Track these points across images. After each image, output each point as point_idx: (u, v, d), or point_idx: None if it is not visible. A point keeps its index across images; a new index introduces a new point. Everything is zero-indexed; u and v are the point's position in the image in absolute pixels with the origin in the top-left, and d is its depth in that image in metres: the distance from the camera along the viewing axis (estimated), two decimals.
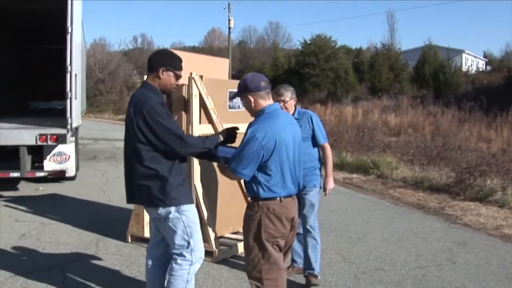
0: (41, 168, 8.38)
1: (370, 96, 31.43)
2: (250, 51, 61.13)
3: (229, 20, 37.72)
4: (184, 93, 5.19)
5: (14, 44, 13.72)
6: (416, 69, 32.48)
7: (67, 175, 8.69)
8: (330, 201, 7.13)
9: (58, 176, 8.69)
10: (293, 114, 4.46)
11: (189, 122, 5.02)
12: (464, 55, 41.47)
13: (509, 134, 16.75)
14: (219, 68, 5.94)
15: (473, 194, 8.79)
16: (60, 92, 14.53)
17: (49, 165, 8.44)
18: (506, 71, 31.13)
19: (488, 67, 41.22)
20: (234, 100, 5.47)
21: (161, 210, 3.34)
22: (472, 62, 40.58)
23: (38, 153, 8.29)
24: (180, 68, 3.50)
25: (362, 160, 12.08)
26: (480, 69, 38.96)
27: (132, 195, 3.44)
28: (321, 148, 4.65)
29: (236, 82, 6.07)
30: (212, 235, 4.98)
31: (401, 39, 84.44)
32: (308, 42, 38.56)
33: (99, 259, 5.08)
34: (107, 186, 9.41)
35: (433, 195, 9.19)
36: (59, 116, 10.31)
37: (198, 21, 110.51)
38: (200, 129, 5.06)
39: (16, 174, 7.87)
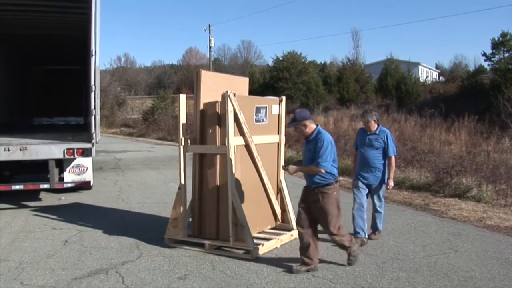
0: (61, 179, 8.30)
1: (339, 106, 31.99)
2: (225, 67, 61.09)
3: (209, 40, 37.71)
4: (218, 109, 5.35)
5: (23, 64, 13.61)
6: (379, 81, 33.28)
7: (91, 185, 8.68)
8: None
9: (83, 186, 8.62)
10: (375, 131, 5.83)
11: (225, 134, 5.17)
12: (420, 67, 42.78)
13: (466, 137, 17.42)
14: (241, 85, 6.10)
15: (452, 191, 9.18)
16: (63, 109, 14.51)
17: (69, 176, 8.32)
18: (460, 81, 32.22)
19: (442, 78, 42.58)
20: (260, 114, 5.67)
21: None
22: (427, 73, 41.91)
23: (58, 165, 8.18)
24: None
25: (347, 165, 12.37)
26: (435, 80, 40.30)
27: None
28: (388, 158, 5.86)
29: (260, 98, 6.28)
30: (248, 236, 5.13)
31: (365, 54, 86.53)
32: (280, 58, 38.96)
33: (146, 260, 5.14)
34: (123, 194, 9.40)
35: (416, 194, 9.53)
36: (71, 131, 10.32)
37: (176, 41, 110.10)
38: (235, 140, 5.22)
39: (45, 186, 7.81)
